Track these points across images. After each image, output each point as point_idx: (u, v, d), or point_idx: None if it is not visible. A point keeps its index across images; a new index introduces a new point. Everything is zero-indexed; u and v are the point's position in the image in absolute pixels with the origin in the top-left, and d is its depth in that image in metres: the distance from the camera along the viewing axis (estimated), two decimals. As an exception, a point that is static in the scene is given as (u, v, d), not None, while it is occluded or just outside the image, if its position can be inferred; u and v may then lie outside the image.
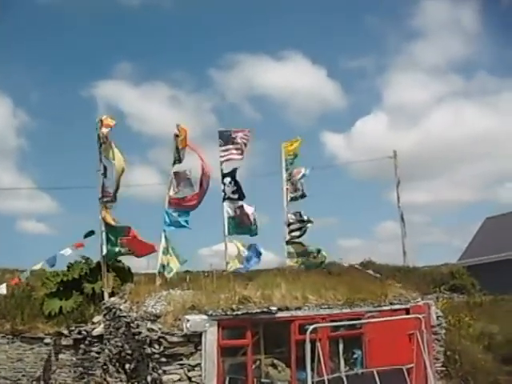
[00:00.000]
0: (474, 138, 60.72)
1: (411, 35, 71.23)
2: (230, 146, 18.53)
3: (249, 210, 18.20)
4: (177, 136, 17.12)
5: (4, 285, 19.39)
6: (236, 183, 18.37)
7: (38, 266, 19.30)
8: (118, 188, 17.33)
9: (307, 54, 69.46)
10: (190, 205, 16.92)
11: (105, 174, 17.64)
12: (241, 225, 18.32)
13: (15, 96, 72.31)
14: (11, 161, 66.07)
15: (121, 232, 17.30)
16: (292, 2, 69.19)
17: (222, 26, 68.63)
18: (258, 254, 18.12)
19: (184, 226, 16.86)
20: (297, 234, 20.29)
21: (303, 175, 20.85)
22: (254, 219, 18.17)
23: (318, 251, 19.88)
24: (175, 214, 16.75)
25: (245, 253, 18.14)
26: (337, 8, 68.62)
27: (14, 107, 68.31)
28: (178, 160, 17.11)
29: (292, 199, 20.80)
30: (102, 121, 17.55)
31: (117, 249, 17.46)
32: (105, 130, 17.38)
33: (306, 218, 20.12)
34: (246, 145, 18.74)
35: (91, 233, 18.30)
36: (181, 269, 17.36)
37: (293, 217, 20.23)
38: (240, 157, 18.77)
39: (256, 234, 18.52)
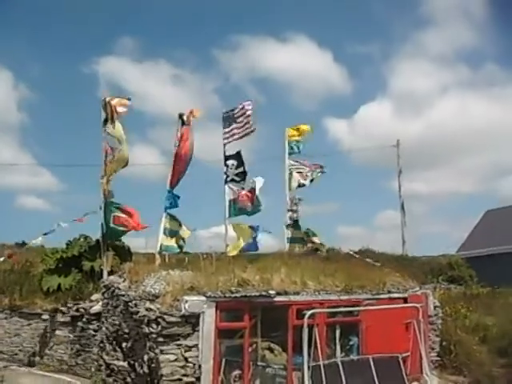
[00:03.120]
0: (478, 130, 60.73)
1: (419, 23, 71.01)
2: (234, 126, 18.37)
3: (258, 183, 18.12)
4: (180, 116, 17.16)
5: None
6: (241, 164, 18.30)
7: (37, 241, 19.32)
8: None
9: (313, 37, 69.44)
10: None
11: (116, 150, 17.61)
12: (241, 206, 18.28)
13: (16, 69, 72.15)
14: (12, 135, 66.10)
15: (115, 208, 17.35)
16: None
17: (226, 6, 68.21)
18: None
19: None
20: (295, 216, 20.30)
21: (318, 172, 20.77)
22: (257, 197, 18.08)
23: (311, 234, 19.91)
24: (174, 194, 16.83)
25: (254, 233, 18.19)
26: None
27: (15, 81, 68.15)
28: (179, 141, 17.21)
29: (299, 186, 20.74)
30: (108, 101, 17.49)
31: (116, 227, 17.44)
32: (121, 110, 17.38)
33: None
34: (249, 117, 18.50)
35: (93, 212, 18.34)
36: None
37: (295, 201, 20.21)
38: (244, 132, 18.54)
39: (258, 211, 18.44)
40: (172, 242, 16.92)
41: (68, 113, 64.00)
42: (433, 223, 62.18)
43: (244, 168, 18.21)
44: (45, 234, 19.01)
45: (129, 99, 17.68)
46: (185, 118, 17.05)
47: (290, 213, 20.27)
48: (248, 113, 18.40)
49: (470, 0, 67.66)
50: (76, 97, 63.04)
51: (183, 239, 17.07)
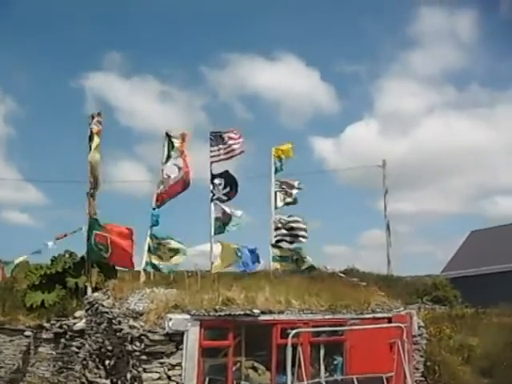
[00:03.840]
0: (464, 150, 61.10)
1: (406, 43, 71.64)
2: (221, 147, 18.48)
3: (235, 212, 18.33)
4: (169, 137, 17.40)
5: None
6: (231, 182, 18.38)
7: (21, 259, 19.23)
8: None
9: (301, 56, 69.83)
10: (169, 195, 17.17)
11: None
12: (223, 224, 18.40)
13: (3, 83, 71.84)
14: (-3, 149, 65.54)
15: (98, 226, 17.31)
16: (286, 2, 69.26)
17: (214, 23, 68.54)
18: (258, 259, 18.41)
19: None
20: (287, 239, 20.23)
21: (297, 187, 20.82)
22: (230, 218, 18.25)
23: (299, 256, 19.93)
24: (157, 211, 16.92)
25: (243, 253, 18.23)
26: (332, 11, 68.89)
27: (2, 94, 67.94)
28: (168, 159, 17.38)
29: (285, 204, 20.78)
30: (93, 116, 17.56)
31: (96, 249, 17.37)
32: (96, 128, 17.44)
33: (295, 225, 20.15)
34: (237, 144, 18.65)
35: (79, 229, 18.31)
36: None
37: (282, 220, 20.15)
38: (230, 156, 18.69)
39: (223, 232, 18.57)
40: (158, 260, 16.89)
41: (55, 127, 63.84)
42: (418, 243, 62.36)
43: (232, 187, 18.23)
44: (32, 254, 18.92)
45: (98, 114, 17.72)
46: (176, 143, 17.33)
47: (282, 231, 20.14)
48: (239, 138, 18.59)
49: (458, 22, 68.30)
50: (63, 111, 62.91)
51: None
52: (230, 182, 18.27)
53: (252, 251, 18.70)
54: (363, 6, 69.82)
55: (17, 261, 19.78)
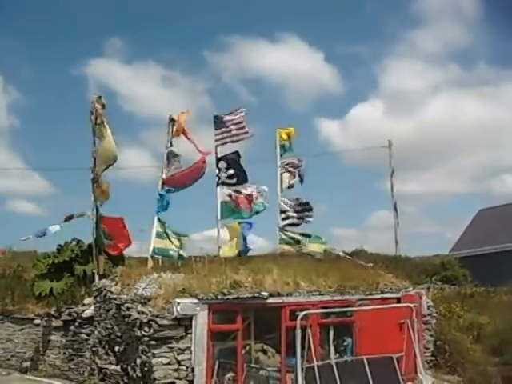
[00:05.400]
0: (470, 129, 60.75)
1: (410, 22, 70.87)
2: (224, 130, 18.37)
3: (251, 190, 18.20)
4: (172, 120, 17.25)
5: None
6: (238, 167, 18.28)
7: (27, 239, 19.17)
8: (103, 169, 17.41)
9: (304, 37, 69.29)
10: (179, 183, 17.07)
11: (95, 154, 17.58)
12: (236, 209, 18.26)
13: (5, 72, 71.58)
14: (2, 138, 65.51)
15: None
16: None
17: (215, 6, 67.95)
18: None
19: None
20: (295, 221, 20.16)
21: (300, 166, 20.69)
22: (257, 198, 18.14)
23: (310, 237, 19.86)
24: (167, 195, 16.80)
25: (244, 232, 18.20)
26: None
27: (5, 83, 67.73)
28: (171, 144, 17.25)
29: (289, 186, 20.69)
30: (95, 101, 17.45)
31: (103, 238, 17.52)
32: (99, 110, 17.32)
33: (304, 200, 20.06)
34: (242, 126, 18.51)
35: (82, 215, 18.25)
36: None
37: (288, 203, 20.08)
38: (235, 139, 18.57)
39: (256, 214, 18.52)
40: (166, 245, 16.85)
41: (58, 115, 63.68)
42: (426, 223, 62.17)
43: (237, 170, 18.12)
44: (38, 237, 18.85)
45: (99, 97, 17.63)
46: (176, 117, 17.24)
47: (288, 213, 20.06)
48: (241, 119, 18.41)
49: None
50: (66, 99, 62.70)
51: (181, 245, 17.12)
52: (233, 164, 18.19)
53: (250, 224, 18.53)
54: (365, -15, 69.09)
55: (21, 239, 19.65)
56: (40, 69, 66.23)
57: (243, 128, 18.43)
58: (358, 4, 70.03)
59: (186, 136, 17.37)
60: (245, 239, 18.06)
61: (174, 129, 17.22)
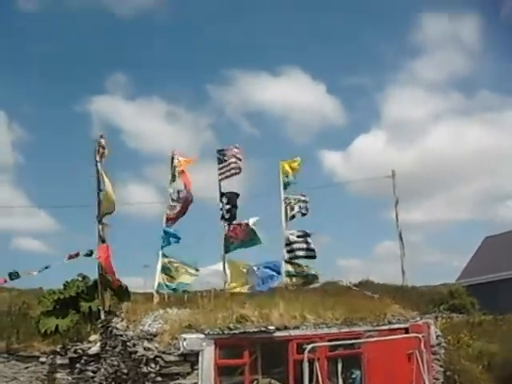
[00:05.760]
0: (473, 156, 60.88)
1: (410, 51, 71.63)
2: (224, 164, 18.60)
3: (251, 220, 18.29)
4: (173, 158, 17.51)
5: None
6: (233, 207, 18.47)
7: (32, 272, 19.11)
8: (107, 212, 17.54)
9: (306, 70, 69.78)
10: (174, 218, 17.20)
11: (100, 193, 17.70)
12: (236, 241, 18.31)
13: (10, 109, 72.08)
14: (7, 175, 65.78)
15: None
16: (289, 17, 69.32)
17: (217, 40, 68.73)
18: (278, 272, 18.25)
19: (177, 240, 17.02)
20: (301, 253, 20.09)
21: (302, 200, 20.72)
22: (252, 229, 18.16)
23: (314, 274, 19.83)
24: (171, 231, 16.89)
25: (259, 271, 18.12)
26: (336, 24, 68.93)
27: (9, 120, 68.18)
28: (173, 180, 17.45)
29: (291, 218, 20.68)
30: (98, 142, 17.66)
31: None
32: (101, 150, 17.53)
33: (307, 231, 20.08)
34: (239, 161, 18.76)
35: (90, 253, 18.25)
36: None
37: (295, 234, 20.03)
38: (235, 172, 18.75)
39: (257, 243, 18.50)
40: (170, 281, 16.85)
41: (62, 152, 64.04)
42: (431, 252, 62.00)
43: (232, 205, 18.33)
44: (40, 271, 18.81)
45: (101, 136, 17.83)
46: (177, 161, 17.44)
47: (294, 245, 20.02)
48: (237, 155, 18.71)
49: (461, 26, 68.20)
50: (70, 136, 63.12)
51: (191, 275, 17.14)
52: (232, 201, 18.40)
53: (270, 267, 18.48)
54: (365, 16, 69.96)
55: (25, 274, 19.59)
56: (43, 106, 66.87)
57: (240, 163, 18.71)
58: (357, 35, 70.79)
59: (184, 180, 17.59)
60: (263, 279, 18.04)
61: (176, 169, 17.47)
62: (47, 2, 65.44)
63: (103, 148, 17.58)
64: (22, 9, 63.34)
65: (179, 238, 17.03)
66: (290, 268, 19.80)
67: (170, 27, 66.96)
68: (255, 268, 18.24)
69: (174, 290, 16.95)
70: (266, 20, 68.43)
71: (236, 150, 18.89)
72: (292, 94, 65.58)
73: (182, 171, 17.51)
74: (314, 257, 19.84)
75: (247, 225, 18.06)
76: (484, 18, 64.74)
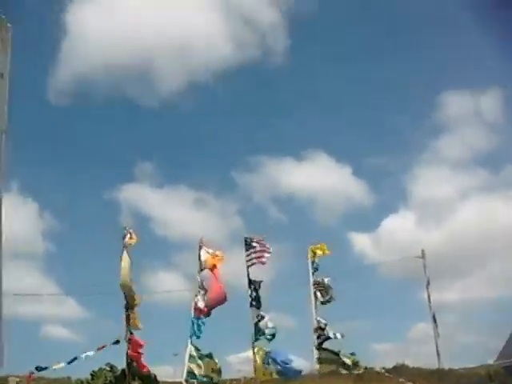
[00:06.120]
0: (504, 232, 59.84)
1: (434, 130, 71.57)
2: (252, 251, 18.65)
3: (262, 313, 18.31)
4: (201, 247, 17.62)
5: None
6: (257, 293, 18.45)
7: (59, 366, 18.89)
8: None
9: (330, 153, 69.95)
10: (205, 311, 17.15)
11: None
12: (260, 331, 18.21)
13: (41, 199, 73.29)
14: (37, 263, 66.18)
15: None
16: (311, 102, 70.46)
17: (240, 128, 69.78)
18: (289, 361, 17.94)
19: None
20: (330, 336, 19.76)
21: (330, 283, 20.56)
22: (267, 326, 18.09)
23: (352, 355, 19.40)
24: (200, 322, 16.77)
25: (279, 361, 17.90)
26: (358, 106, 69.78)
27: (40, 209, 69.26)
28: (201, 269, 17.50)
29: (322, 303, 20.43)
30: (126, 230, 17.82)
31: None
32: (129, 242, 17.67)
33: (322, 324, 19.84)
34: (266, 251, 18.85)
35: (117, 342, 18.06)
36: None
37: (323, 321, 19.76)
38: (263, 261, 18.79)
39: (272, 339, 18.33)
40: (199, 370, 16.61)
41: (91, 240, 64.50)
42: (467, 332, 60.09)
43: (258, 295, 18.32)
44: (68, 363, 18.61)
45: (128, 225, 18.08)
46: (208, 255, 17.58)
47: (319, 331, 19.71)
48: (265, 247, 18.86)
49: (483, 102, 68.46)
50: (98, 224, 63.61)
51: (216, 371, 16.90)
52: (257, 289, 18.40)
53: (285, 362, 18.24)
54: (387, 98, 70.84)
55: (54, 367, 19.36)
56: (73, 194, 67.90)
57: (268, 253, 18.74)
58: (381, 117, 71.45)
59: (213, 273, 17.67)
60: (283, 363, 17.72)
61: (204, 261, 17.59)
62: (77, 97, 67.68)
63: (131, 235, 17.68)
64: (54, 103, 65.45)
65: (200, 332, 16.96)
66: (320, 354, 19.43)
67: (193, 116, 68.37)
68: (273, 356, 18.05)
69: (203, 380, 16.64)
70: (287, 106, 69.73)
71: (263, 242, 18.96)
72: (318, 177, 65.89)
73: (214, 266, 17.63)
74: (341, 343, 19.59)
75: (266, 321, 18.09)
76: (506, 91, 65.09)
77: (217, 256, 17.86)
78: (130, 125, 67.49)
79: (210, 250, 17.81)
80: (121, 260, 17.57)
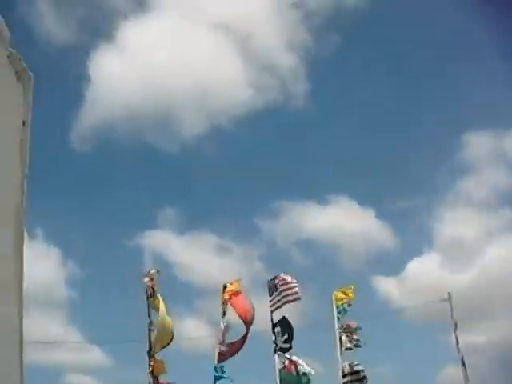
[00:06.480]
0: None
1: (457, 170, 70.97)
2: (275, 293, 18.37)
3: (299, 360, 17.92)
4: (225, 287, 17.42)
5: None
6: (288, 329, 18.07)
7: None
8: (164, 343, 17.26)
9: (353, 197, 69.73)
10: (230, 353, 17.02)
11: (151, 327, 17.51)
12: (289, 375, 17.83)
13: (64, 246, 73.62)
14: (60, 311, 66.17)
15: None
16: (333, 146, 70.61)
17: (263, 173, 69.92)
18: None
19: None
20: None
21: (357, 328, 20.24)
22: (302, 372, 17.74)
23: None
24: (224, 368, 16.62)
25: None
26: (379, 151, 69.80)
27: (64, 257, 69.50)
28: (224, 313, 17.34)
29: (347, 349, 20.08)
30: (148, 273, 17.74)
31: None
32: (150, 282, 17.52)
33: (360, 368, 19.35)
34: (294, 288, 18.51)
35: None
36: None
37: (347, 367, 19.39)
38: (284, 302, 18.49)
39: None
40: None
41: (114, 287, 64.49)
42: (499, 376, 58.77)
43: (290, 333, 17.90)
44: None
45: (157, 271, 17.96)
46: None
47: (346, 378, 19.33)
48: (292, 283, 18.56)
49: (506, 141, 68.17)
50: (122, 271, 63.56)
51: None
52: (287, 328, 17.99)
53: None
54: (409, 140, 70.83)
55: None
56: (96, 241, 68.10)
57: (294, 289, 18.38)
58: (403, 159, 71.33)
59: (233, 305, 17.49)
60: None
61: (225, 297, 17.43)
62: (99, 143, 68.42)
63: (154, 281, 17.61)
64: (77, 150, 66.27)
65: (228, 378, 16.69)
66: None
67: (215, 160, 68.76)
68: None
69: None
70: (310, 153, 69.93)
71: (289, 277, 18.66)
72: (341, 221, 65.65)
73: (235, 294, 17.46)
74: None
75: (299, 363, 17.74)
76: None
77: (232, 286, 17.76)
78: (152, 170, 68.06)
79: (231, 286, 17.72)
80: (149, 303, 17.48)
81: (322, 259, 67.27)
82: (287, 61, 63.07)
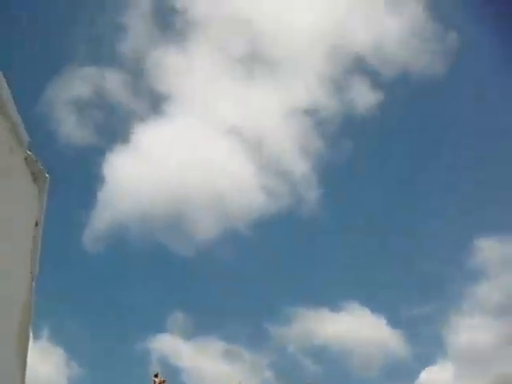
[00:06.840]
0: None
1: (471, 276, 70.27)
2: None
3: None
4: None
5: None
6: None
7: None
8: None
9: (365, 304, 68.91)
10: None
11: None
12: None
13: (68, 347, 72.51)
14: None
15: None
16: (344, 252, 70.46)
17: (275, 277, 69.55)
18: None
19: None
20: None
21: None
22: None
23: None
24: None
25: None
26: (392, 258, 69.50)
27: (68, 358, 68.33)
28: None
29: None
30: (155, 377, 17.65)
31: None
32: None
33: None
34: None
35: None
36: None
37: None
38: None
39: None
40: None
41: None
42: None
43: None
44: None
45: (155, 375, 17.90)
46: None
47: None
48: None
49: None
50: (127, 374, 62.45)
51: None
52: None
53: None
54: (420, 242, 70.84)
55: None
56: (102, 343, 67.24)
57: None
58: (414, 266, 70.97)
59: None
60: None
61: None
62: (111, 245, 68.72)
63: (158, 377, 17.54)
64: (89, 250, 66.50)
65: None
66: None
67: (228, 264, 68.70)
68: None
69: None
70: (321, 258, 69.95)
71: None
72: (353, 328, 64.60)
73: None
74: None
75: None
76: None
77: None
78: (165, 273, 67.91)
79: None
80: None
81: (333, 367, 65.64)
82: (300, 167, 64.24)
